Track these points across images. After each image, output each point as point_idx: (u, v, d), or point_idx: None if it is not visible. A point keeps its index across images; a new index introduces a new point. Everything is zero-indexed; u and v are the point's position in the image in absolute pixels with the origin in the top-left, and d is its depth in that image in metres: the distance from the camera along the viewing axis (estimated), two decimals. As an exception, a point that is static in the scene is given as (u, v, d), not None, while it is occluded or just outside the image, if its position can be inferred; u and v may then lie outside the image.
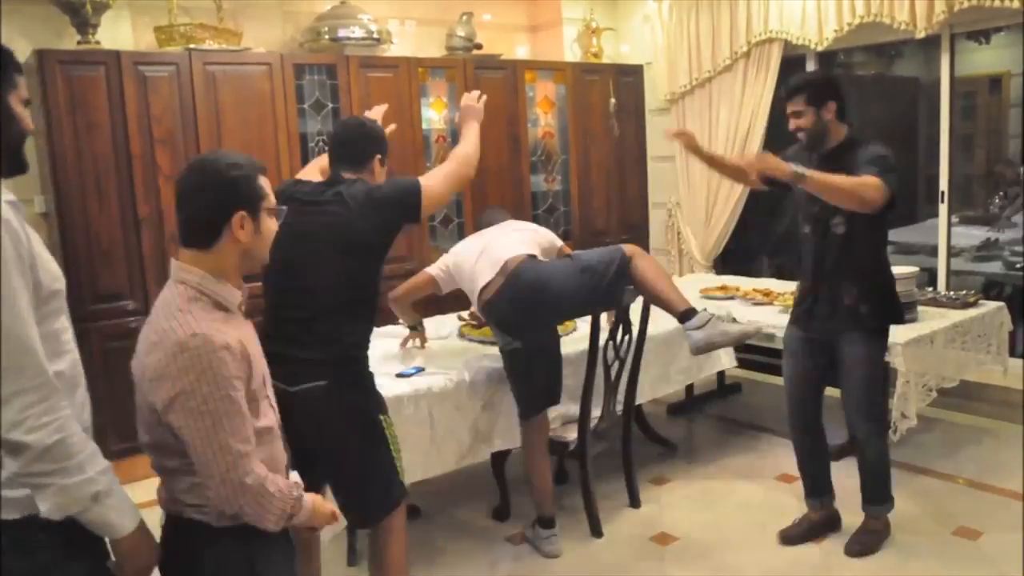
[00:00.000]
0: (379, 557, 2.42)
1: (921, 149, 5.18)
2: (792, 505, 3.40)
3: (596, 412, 3.28)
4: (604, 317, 3.21)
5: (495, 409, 3.12)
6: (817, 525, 3.16)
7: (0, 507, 1.39)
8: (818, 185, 2.61)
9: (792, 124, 2.85)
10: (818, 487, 3.16)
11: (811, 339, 2.98)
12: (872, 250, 2.84)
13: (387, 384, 2.92)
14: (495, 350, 3.30)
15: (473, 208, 5.00)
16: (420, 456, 2.93)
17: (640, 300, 3.32)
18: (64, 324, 1.55)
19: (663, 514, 3.41)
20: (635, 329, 3.33)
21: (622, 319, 3.23)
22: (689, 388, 4.66)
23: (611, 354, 3.23)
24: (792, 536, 3.14)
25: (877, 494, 3.05)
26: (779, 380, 4.75)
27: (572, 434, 3.24)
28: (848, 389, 2.93)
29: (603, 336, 3.17)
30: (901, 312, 2.98)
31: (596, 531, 3.25)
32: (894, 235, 5.42)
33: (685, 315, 2.92)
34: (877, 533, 3.06)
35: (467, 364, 3.12)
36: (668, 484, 3.70)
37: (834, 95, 2.79)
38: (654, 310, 3.24)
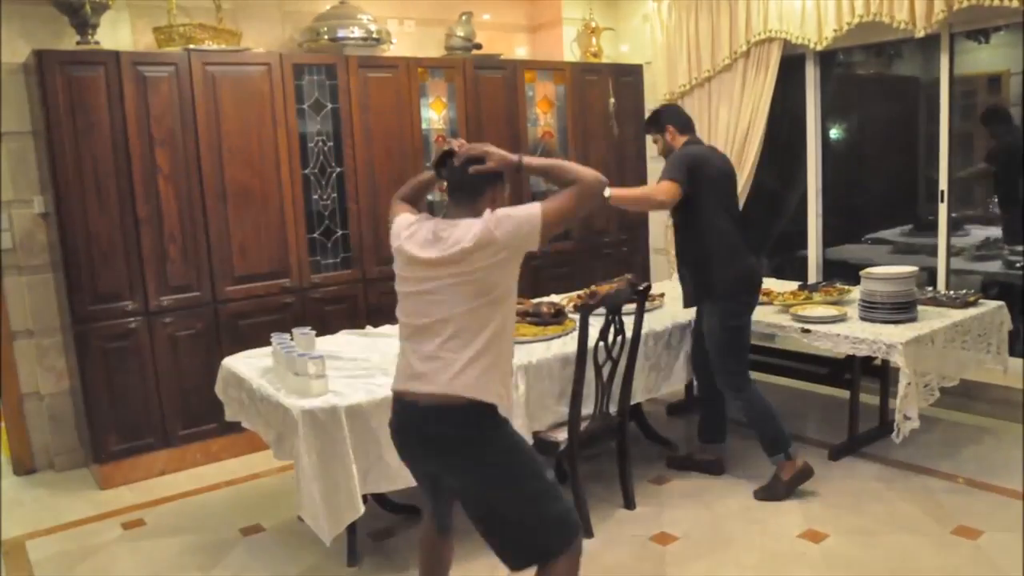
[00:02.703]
0: None
1: (920, 149, 5.18)
2: (792, 504, 3.41)
3: (589, 412, 3.28)
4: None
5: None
6: (699, 462, 3.77)
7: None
8: (622, 202, 3.41)
9: (654, 151, 3.75)
10: (708, 432, 3.79)
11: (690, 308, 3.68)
12: (698, 236, 3.48)
13: (388, 383, 2.91)
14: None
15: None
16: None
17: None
18: None
19: (663, 514, 3.41)
20: (628, 330, 3.33)
21: (613, 320, 3.22)
22: (689, 388, 4.66)
23: (602, 355, 3.22)
24: (674, 463, 3.82)
25: (766, 448, 3.50)
26: (779, 380, 4.77)
27: (562, 435, 3.23)
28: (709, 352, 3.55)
29: (594, 336, 3.16)
30: (733, 288, 3.45)
31: (586, 532, 3.24)
32: (894, 235, 5.46)
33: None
34: (778, 480, 3.47)
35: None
36: (668, 484, 3.70)
37: (667, 123, 3.59)
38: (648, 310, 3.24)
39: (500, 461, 2.14)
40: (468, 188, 2.18)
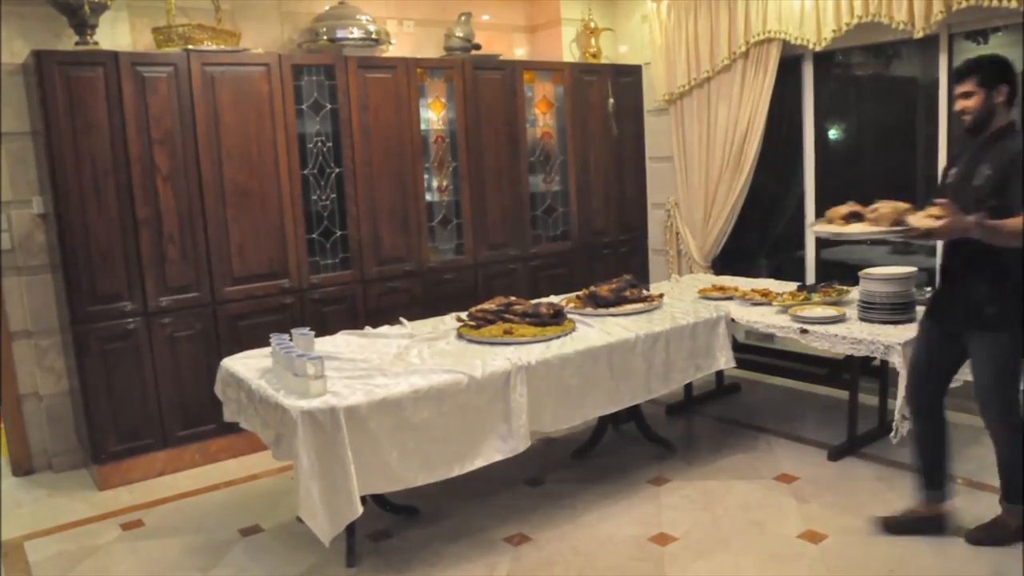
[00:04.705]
0: None
1: (920, 149, 5.18)
2: (791, 505, 3.41)
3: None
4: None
5: (495, 413, 3.12)
6: (922, 520, 3.11)
7: None
8: (991, 237, 2.67)
9: (959, 105, 2.81)
10: (931, 479, 3.10)
11: (943, 331, 3.00)
12: (1001, 253, 2.75)
13: (387, 384, 2.91)
14: (495, 350, 3.30)
15: (472, 208, 5.00)
16: (419, 460, 2.93)
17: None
18: None
19: (662, 514, 3.41)
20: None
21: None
22: (688, 388, 4.66)
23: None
24: (892, 526, 3.12)
25: (1007, 491, 3.01)
26: (778, 380, 4.77)
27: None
28: (976, 384, 2.95)
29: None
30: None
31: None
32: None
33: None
34: (1005, 528, 3.01)
35: (468, 365, 3.12)
36: (667, 484, 3.70)
37: (1008, 79, 2.76)
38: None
39: None
40: None
